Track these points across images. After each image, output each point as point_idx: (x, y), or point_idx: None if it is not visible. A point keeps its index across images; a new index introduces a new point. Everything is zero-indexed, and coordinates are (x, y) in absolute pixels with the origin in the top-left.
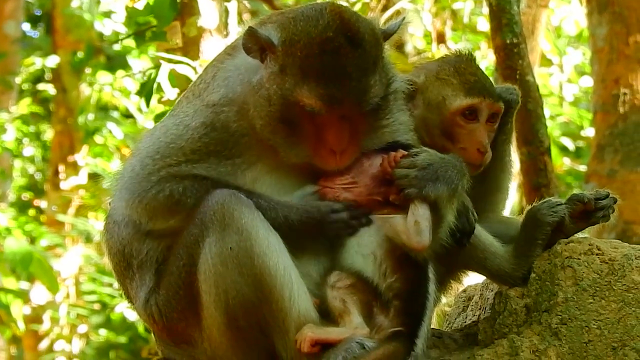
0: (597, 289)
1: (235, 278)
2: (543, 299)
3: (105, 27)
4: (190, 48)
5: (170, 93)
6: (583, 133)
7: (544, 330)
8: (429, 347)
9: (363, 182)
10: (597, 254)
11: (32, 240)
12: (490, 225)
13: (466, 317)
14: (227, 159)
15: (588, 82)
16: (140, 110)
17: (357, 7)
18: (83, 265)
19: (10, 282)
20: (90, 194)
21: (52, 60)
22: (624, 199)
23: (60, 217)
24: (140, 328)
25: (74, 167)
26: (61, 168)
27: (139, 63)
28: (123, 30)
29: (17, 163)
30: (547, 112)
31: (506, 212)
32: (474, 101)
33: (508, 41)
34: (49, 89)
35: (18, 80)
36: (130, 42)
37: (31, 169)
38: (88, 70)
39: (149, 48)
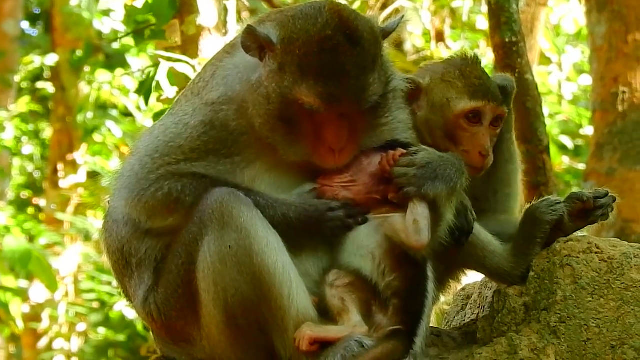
0: (596, 287)
1: (234, 276)
2: (542, 297)
3: (104, 25)
4: (189, 46)
5: (169, 91)
6: (582, 131)
7: (543, 329)
8: (427, 346)
9: (362, 180)
10: (596, 253)
11: (31, 239)
12: (489, 223)
13: (465, 316)
14: (226, 158)
15: (587, 80)
16: (139, 108)
17: (356, 6)
18: (82, 263)
19: (9, 281)
20: (89, 193)
21: (51, 59)
22: (623, 198)
23: (59, 215)
24: (139, 326)
25: (73, 166)
26: (60, 166)
27: (138, 61)
28: (122, 28)
29: (16, 161)
30: (546, 110)
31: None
32: (478, 104)
33: (507, 39)
34: (47, 87)
35: (17, 78)
36: (129, 41)
37: (30, 168)
38: (87, 69)
39: (148, 46)
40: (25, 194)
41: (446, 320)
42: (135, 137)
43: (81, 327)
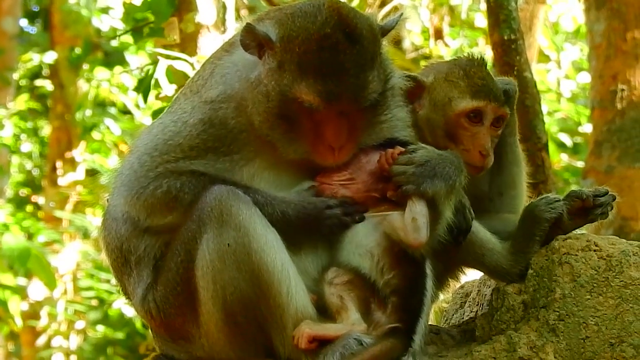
0: (595, 285)
1: (233, 274)
2: (540, 295)
3: (102, 23)
4: (188, 44)
5: (168, 89)
6: (581, 129)
7: (542, 327)
8: (426, 343)
9: (361, 178)
10: (594, 250)
11: (30, 237)
12: (488, 221)
13: (464, 314)
14: (225, 155)
15: (586, 78)
16: (137, 106)
17: (354, 3)
18: (81, 261)
19: (8, 278)
20: (88, 190)
21: (50, 56)
22: (622, 195)
23: (58, 213)
24: (138, 324)
25: (72, 163)
26: (59, 164)
27: (136, 59)
28: (121, 26)
29: (15, 159)
30: (544, 108)
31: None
32: (480, 104)
33: (506, 37)
34: (46, 85)
35: (16, 76)
36: (128, 38)
37: (29, 165)
38: (86, 66)
39: (147, 44)
40: (24, 191)
41: (445, 318)
42: (134, 135)
43: (80, 324)
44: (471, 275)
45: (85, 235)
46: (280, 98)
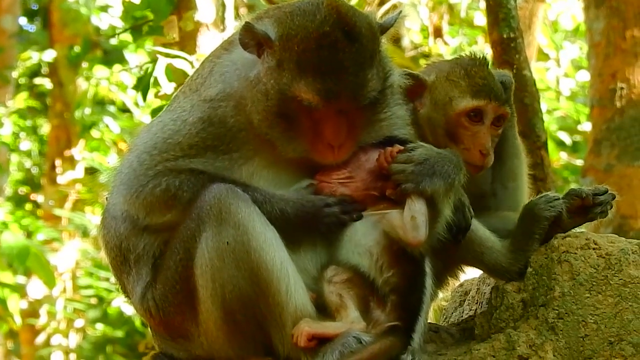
0: (594, 283)
1: (232, 272)
2: (540, 293)
3: (102, 21)
4: (187, 42)
5: (167, 87)
6: (580, 127)
7: (541, 325)
8: (425, 342)
9: (360, 176)
10: (593, 249)
11: (29, 235)
12: (488, 219)
13: (463, 312)
14: (225, 154)
15: (585, 76)
16: (137, 104)
17: (353, 1)
18: (80, 259)
19: (7, 277)
20: (87, 189)
21: (49, 55)
22: (621, 194)
23: (57, 211)
24: (137, 322)
25: (71, 162)
26: (58, 162)
27: (135, 57)
28: (120, 24)
29: (14, 157)
30: (544, 106)
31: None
32: (480, 103)
33: (505, 36)
34: (45, 83)
35: (15, 74)
36: (127, 37)
37: (28, 163)
38: (85, 65)
39: (146, 42)
40: (23, 190)
41: (444, 317)
42: (133, 133)
43: (79, 323)
44: (470, 273)
45: (85, 233)
46: (279, 97)
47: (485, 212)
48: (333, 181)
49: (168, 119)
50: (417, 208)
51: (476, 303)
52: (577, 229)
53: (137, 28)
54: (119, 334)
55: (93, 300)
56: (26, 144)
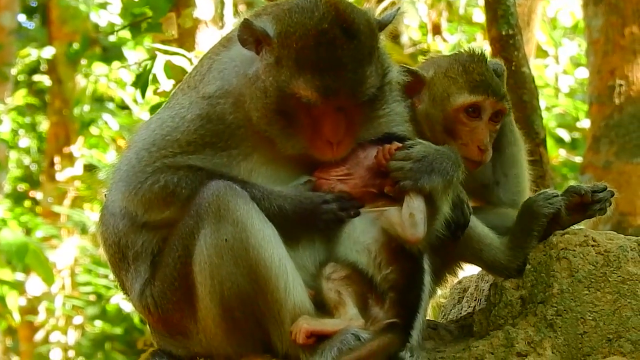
0: (593, 280)
1: (231, 269)
2: (538, 290)
3: (100, 18)
4: (186, 39)
5: (166, 84)
6: (579, 124)
7: (539, 322)
8: (424, 339)
9: (358, 173)
10: (592, 246)
11: (28, 232)
12: (486, 216)
13: (461, 309)
14: (223, 151)
15: (584, 73)
16: (135, 101)
17: None
18: (78, 256)
19: (6, 274)
20: (86, 186)
21: (48, 52)
22: (620, 191)
23: (56, 208)
24: (136, 319)
25: (70, 159)
26: (57, 159)
27: (134, 54)
28: (119, 21)
29: (13, 154)
30: (542, 103)
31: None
32: (477, 99)
33: (504, 32)
34: (44, 80)
35: (14, 71)
36: (126, 34)
37: (27, 160)
38: (84, 62)
39: (145, 39)
40: (21, 186)
41: (443, 314)
42: (132, 130)
43: (78, 320)
44: (469, 270)
45: (83, 230)
46: (278, 94)
47: (489, 201)
48: (332, 178)
49: (167, 116)
50: (415, 205)
51: (475, 300)
52: (576, 226)
53: (136, 25)
54: (118, 331)
55: (92, 297)
56: (25, 141)
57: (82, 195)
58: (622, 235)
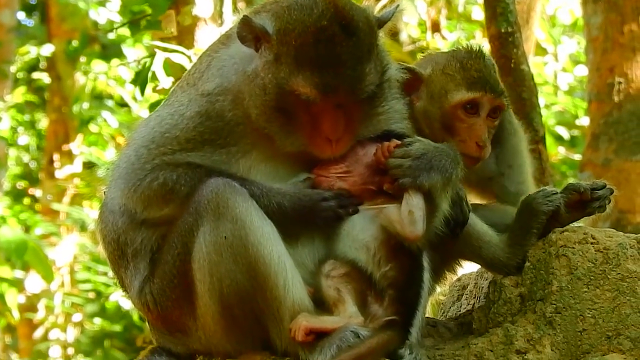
0: (592, 277)
1: (230, 267)
2: (538, 287)
3: (100, 15)
4: (185, 37)
5: (165, 82)
6: (578, 122)
7: (539, 319)
8: (423, 336)
9: (357, 171)
10: (591, 243)
11: (27, 229)
12: (485, 213)
13: (461, 306)
14: (222, 148)
15: (583, 71)
16: (135, 99)
17: None
18: (78, 253)
19: (5, 271)
20: (85, 183)
21: (47, 49)
22: (619, 188)
23: (55, 205)
24: (135, 317)
25: (69, 156)
26: (56, 157)
27: (133, 52)
28: (118, 18)
29: (12, 152)
30: (541, 101)
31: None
32: (475, 95)
33: (503, 30)
34: (43, 77)
35: (13, 69)
36: (125, 31)
37: (26, 158)
38: (83, 59)
39: (144, 37)
40: (21, 184)
41: (442, 311)
42: (131, 127)
43: (77, 317)
44: (468, 267)
45: (83, 227)
46: (277, 91)
47: (496, 193)
48: (331, 175)
49: (166, 113)
50: (414, 202)
51: (474, 297)
52: (575, 224)
53: (135, 22)
54: (117, 328)
55: (91, 295)
56: (24, 138)
57: (81, 193)
58: (622, 233)
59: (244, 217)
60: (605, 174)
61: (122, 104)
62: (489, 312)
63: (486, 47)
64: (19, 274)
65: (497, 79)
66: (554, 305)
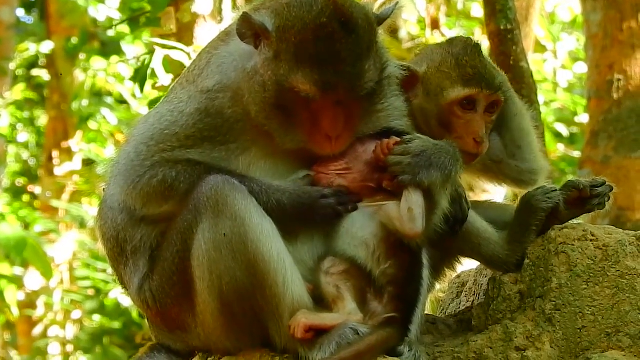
0: (591, 275)
1: (229, 264)
2: (537, 284)
3: (99, 12)
4: (185, 34)
5: (165, 79)
6: (577, 119)
7: (538, 316)
8: (422, 333)
9: (357, 168)
10: (591, 240)
11: (26, 226)
12: (485, 211)
13: (460, 303)
14: (222, 145)
15: (582, 68)
16: (134, 96)
17: None
18: (77, 251)
19: (4, 268)
20: (84, 180)
21: (46, 46)
22: (618, 185)
23: (54, 202)
24: (134, 314)
25: (68, 153)
26: (55, 154)
27: (133, 49)
28: (117, 16)
29: (11, 149)
30: (541, 98)
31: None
32: (471, 92)
33: (502, 27)
34: (43, 74)
35: (12, 66)
36: (125, 28)
37: (25, 155)
38: (82, 56)
39: (143, 34)
40: (20, 181)
41: (441, 308)
42: (131, 124)
43: (76, 314)
44: (467, 264)
45: (82, 224)
46: (276, 88)
47: (507, 175)
48: (330, 172)
49: (165, 110)
50: (414, 200)
51: (473, 294)
52: (575, 221)
53: (135, 19)
54: (116, 325)
55: (90, 292)
56: (23, 135)
57: (80, 190)
58: (621, 230)
59: (243, 214)
60: (605, 171)
61: (122, 101)
62: (489, 309)
63: (485, 44)
64: (18, 271)
65: (494, 73)
66: (554, 303)
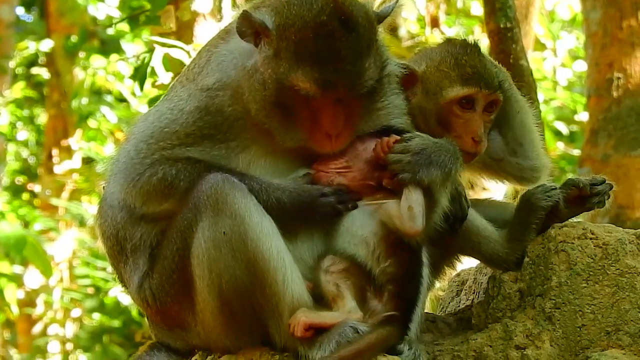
0: (591, 273)
1: (229, 262)
2: (537, 283)
3: (99, 11)
4: (184, 32)
5: (164, 77)
6: (577, 117)
7: (538, 315)
8: (422, 332)
9: (357, 166)
10: (591, 238)
11: (26, 224)
12: (485, 209)
13: (460, 302)
14: (221, 143)
15: (582, 66)
16: (134, 94)
17: None
18: (77, 249)
19: (4, 266)
20: (84, 178)
21: (46, 44)
22: (618, 184)
23: (54, 201)
24: (134, 312)
25: (68, 151)
26: (55, 152)
27: (132, 47)
28: (117, 14)
29: (11, 147)
30: (540, 96)
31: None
32: (470, 91)
33: (502, 25)
34: (42, 73)
35: (12, 64)
36: (124, 26)
37: (25, 153)
38: (82, 54)
39: (143, 32)
40: (20, 179)
41: (441, 306)
42: (130, 122)
43: (76, 312)
44: (467, 263)
45: (82, 223)
46: (276, 86)
47: (509, 172)
48: (330, 170)
49: (165, 108)
50: (414, 198)
51: (473, 293)
52: (574, 219)
53: (134, 18)
54: (116, 323)
55: (90, 290)
56: (23, 133)
57: (80, 188)
58: (621, 228)
59: (243, 212)
60: (604, 169)
61: (121, 99)
62: (488, 308)
63: (485, 43)
64: (17, 269)
65: (493, 73)
66: (553, 301)
